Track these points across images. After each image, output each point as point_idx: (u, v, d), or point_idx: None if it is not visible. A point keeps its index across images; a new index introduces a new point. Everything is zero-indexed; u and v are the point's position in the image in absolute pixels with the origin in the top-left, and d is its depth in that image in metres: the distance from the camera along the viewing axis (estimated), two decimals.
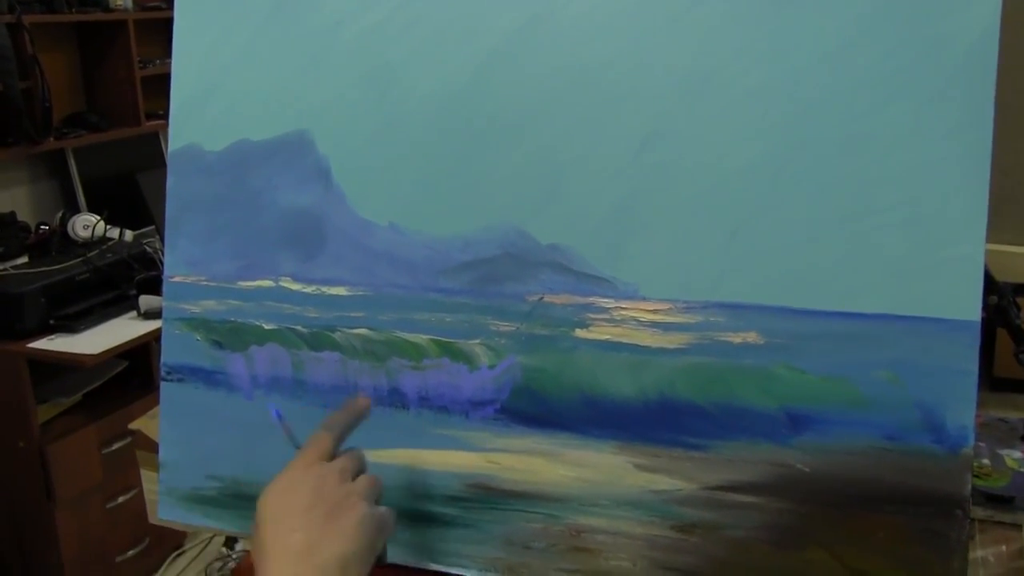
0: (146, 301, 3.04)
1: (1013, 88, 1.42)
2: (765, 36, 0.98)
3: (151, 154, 3.92)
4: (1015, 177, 1.54)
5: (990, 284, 1.42)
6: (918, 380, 0.93)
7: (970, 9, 0.91)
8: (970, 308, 0.91)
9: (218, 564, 3.01)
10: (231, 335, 1.21)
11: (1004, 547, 1.29)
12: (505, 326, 1.08)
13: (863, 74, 0.95)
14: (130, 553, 3.19)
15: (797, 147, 0.97)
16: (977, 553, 1.29)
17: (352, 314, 1.14)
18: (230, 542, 2.94)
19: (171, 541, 3.34)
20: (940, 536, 0.92)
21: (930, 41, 0.92)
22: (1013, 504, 1.36)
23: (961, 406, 0.91)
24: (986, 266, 1.41)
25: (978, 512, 1.35)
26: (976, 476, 1.42)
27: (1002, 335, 1.45)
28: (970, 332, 0.91)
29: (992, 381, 4.01)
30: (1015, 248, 1.64)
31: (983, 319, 0.92)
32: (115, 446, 3.05)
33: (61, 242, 3.30)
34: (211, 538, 3.20)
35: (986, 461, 1.48)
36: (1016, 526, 1.33)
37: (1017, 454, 1.50)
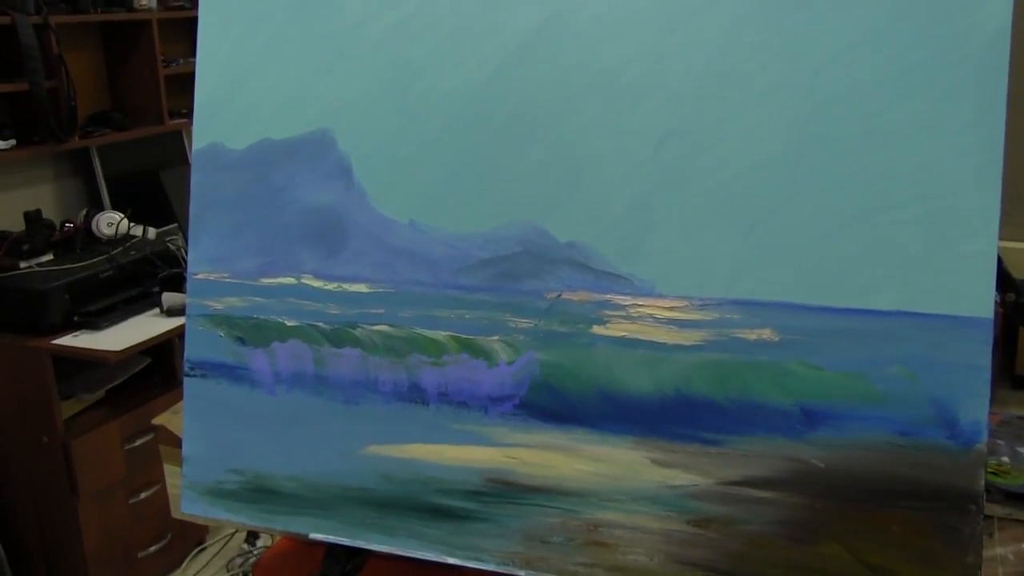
0: (169, 298, 3.07)
1: None
2: (781, 34, 0.99)
3: (174, 152, 3.95)
4: None
5: (1008, 281, 1.42)
6: (932, 376, 0.93)
7: (982, 8, 0.91)
8: (983, 304, 0.91)
9: (239, 560, 3.03)
10: (254, 331, 1.22)
11: (1023, 545, 1.29)
12: (523, 323, 1.09)
13: (877, 72, 0.95)
14: (152, 548, 3.21)
15: (812, 144, 0.98)
16: (996, 551, 1.29)
17: (373, 311, 1.16)
18: (251, 538, 2.95)
19: (193, 536, 3.37)
20: (954, 531, 0.93)
21: (943, 39, 0.93)
22: None
23: (974, 402, 0.92)
24: (1004, 263, 1.41)
25: (997, 510, 1.35)
26: (995, 474, 1.42)
27: None
28: (983, 328, 0.91)
29: (1014, 379, 3.97)
30: None
31: (1004, 316, 0.93)
32: (138, 442, 3.08)
33: (85, 240, 3.33)
34: (233, 534, 3.22)
35: (1005, 459, 1.48)
36: None
37: None
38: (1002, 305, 1.45)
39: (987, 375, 0.91)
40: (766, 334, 0.99)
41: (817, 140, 0.98)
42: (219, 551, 3.24)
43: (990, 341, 0.91)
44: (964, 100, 0.92)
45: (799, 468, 0.98)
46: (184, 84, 3.89)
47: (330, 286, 1.18)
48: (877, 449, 0.95)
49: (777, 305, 0.99)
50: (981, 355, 0.91)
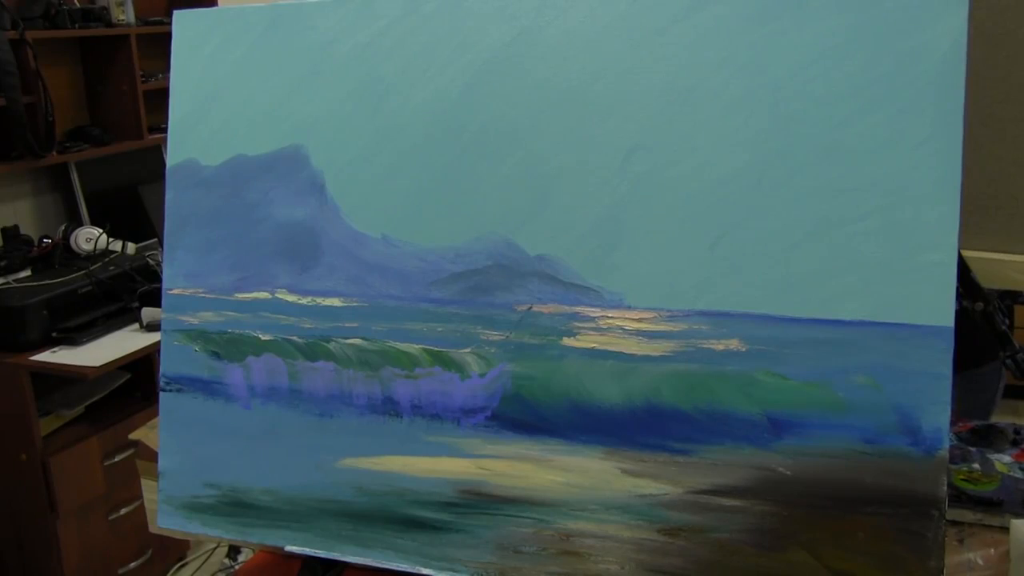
0: (148, 313, 3.06)
1: (999, 98, 1.45)
2: (744, 51, 1.01)
3: (153, 167, 3.94)
4: (1000, 184, 1.57)
5: (976, 291, 1.44)
6: (895, 384, 0.95)
7: (938, 24, 0.93)
8: (944, 314, 0.93)
9: (221, 575, 3.02)
10: (229, 346, 1.23)
11: (992, 550, 1.31)
12: (495, 335, 1.10)
13: (837, 86, 0.97)
14: (133, 565, 3.19)
15: (775, 158, 0.99)
16: (966, 556, 1.30)
17: (346, 324, 1.17)
18: (233, 552, 2.94)
19: (174, 552, 3.35)
20: (917, 536, 0.94)
21: (901, 54, 0.95)
22: (1002, 507, 1.37)
23: (936, 409, 0.93)
24: (972, 273, 1.43)
25: (968, 516, 1.37)
26: (967, 481, 1.44)
27: None
28: (944, 337, 0.93)
29: None
30: (1001, 255, 1.66)
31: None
32: (117, 458, 3.06)
33: (64, 255, 3.31)
34: (214, 548, 3.21)
35: (976, 466, 1.49)
36: (1004, 529, 1.34)
37: (1006, 458, 1.51)
38: (972, 314, 1.47)
39: (948, 383, 0.93)
40: (733, 344, 1.01)
41: (780, 153, 0.99)
42: (200, 566, 3.23)
43: (951, 349, 0.93)
44: (923, 114, 0.94)
45: (766, 476, 0.99)
46: (163, 99, 3.85)
47: (304, 300, 1.19)
48: (842, 457, 0.97)
49: (744, 316, 1.00)
50: (942, 363, 0.93)
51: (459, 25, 1.13)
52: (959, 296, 1.38)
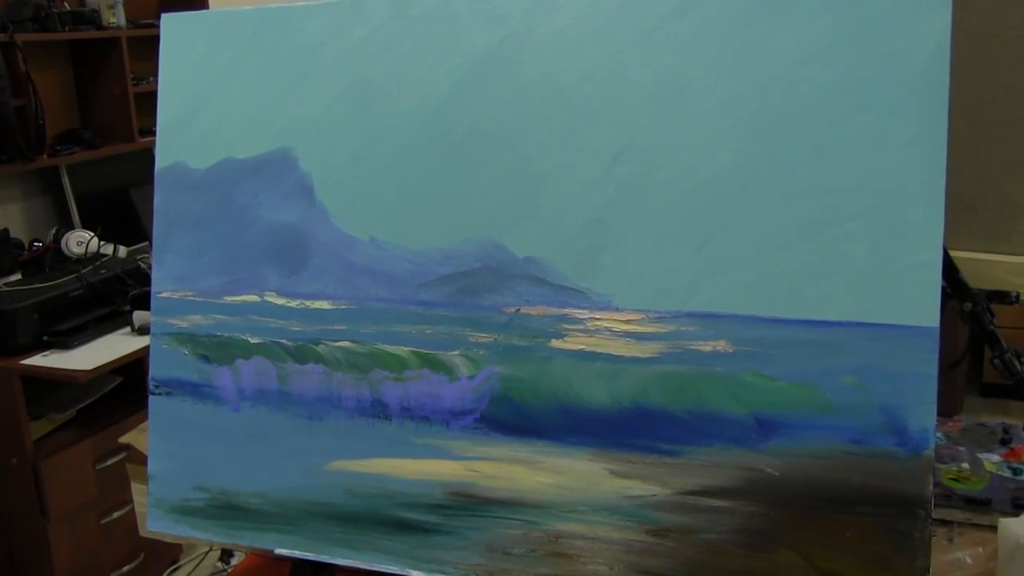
0: (140, 317, 3.05)
1: (984, 100, 1.45)
2: (730, 53, 1.01)
3: (145, 170, 3.86)
4: (988, 185, 1.57)
5: (964, 291, 1.44)
6: (882, 385, 0.95)
7: (922, 27, 0.94)
8: (929, 314, 0.94)
9: None
10: (218, 349, 1.23)
11: (981, 548, 1.31)
12: (484, 337, 1.10)
13: (823, 89, 0.98)
14: (125, 569, 3.19)
15: (762, 159, 1.00)
16: (955, 555, 1.31)
17: (335, 327, 1.17)
18: (225, 556, 2.94)
19: (166, 556, 3.35)
20: (904, 535, 0.94)
21: (886, 57, 0.95)
22: (991, 506, 1.38)
23: (922, 409, 0.94)
24: (961, 273, 1.43)
25: (957, 515, 1.37)
26: (956, 480, 1.45)
27: None
28: (929, 337, 0.93)
29: (982, 387, 4.04)
30: (988, 255, 1.66)
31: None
32: (109, 462, 3.05)
33: (55, 258, 3.30)
34: (207, 552, 3.21)
35: (965, 465, 1.50)
36: (993, 528, 1.35)
37: (995, 458, 1.52)
38: (960, 315, 1.47)
39: (934, 383, 0.93)
40: (721, 346, 1.01)
41: (767, 155, 1.00)
42: (193, 570, 3.23)
43: (936, 349, 0.93)
44: (907, 116, 0.95)
45: (754, 477, 1.00)
46: (155, 102, 3.85)
47: (293, 303, 1.19)
48: (829, 457, 0.97)
49: (731, 317, 1.01)
50: (928, 363, 0.93)
51: (447, 28, 1.14)
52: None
